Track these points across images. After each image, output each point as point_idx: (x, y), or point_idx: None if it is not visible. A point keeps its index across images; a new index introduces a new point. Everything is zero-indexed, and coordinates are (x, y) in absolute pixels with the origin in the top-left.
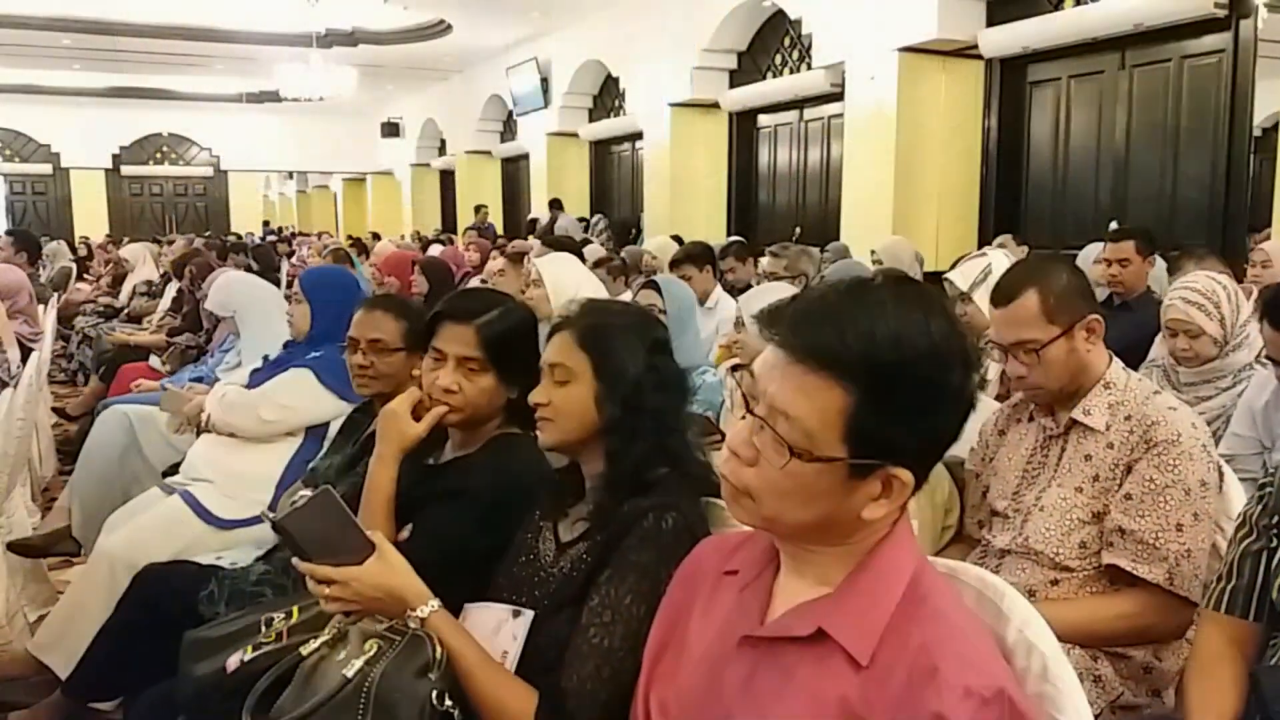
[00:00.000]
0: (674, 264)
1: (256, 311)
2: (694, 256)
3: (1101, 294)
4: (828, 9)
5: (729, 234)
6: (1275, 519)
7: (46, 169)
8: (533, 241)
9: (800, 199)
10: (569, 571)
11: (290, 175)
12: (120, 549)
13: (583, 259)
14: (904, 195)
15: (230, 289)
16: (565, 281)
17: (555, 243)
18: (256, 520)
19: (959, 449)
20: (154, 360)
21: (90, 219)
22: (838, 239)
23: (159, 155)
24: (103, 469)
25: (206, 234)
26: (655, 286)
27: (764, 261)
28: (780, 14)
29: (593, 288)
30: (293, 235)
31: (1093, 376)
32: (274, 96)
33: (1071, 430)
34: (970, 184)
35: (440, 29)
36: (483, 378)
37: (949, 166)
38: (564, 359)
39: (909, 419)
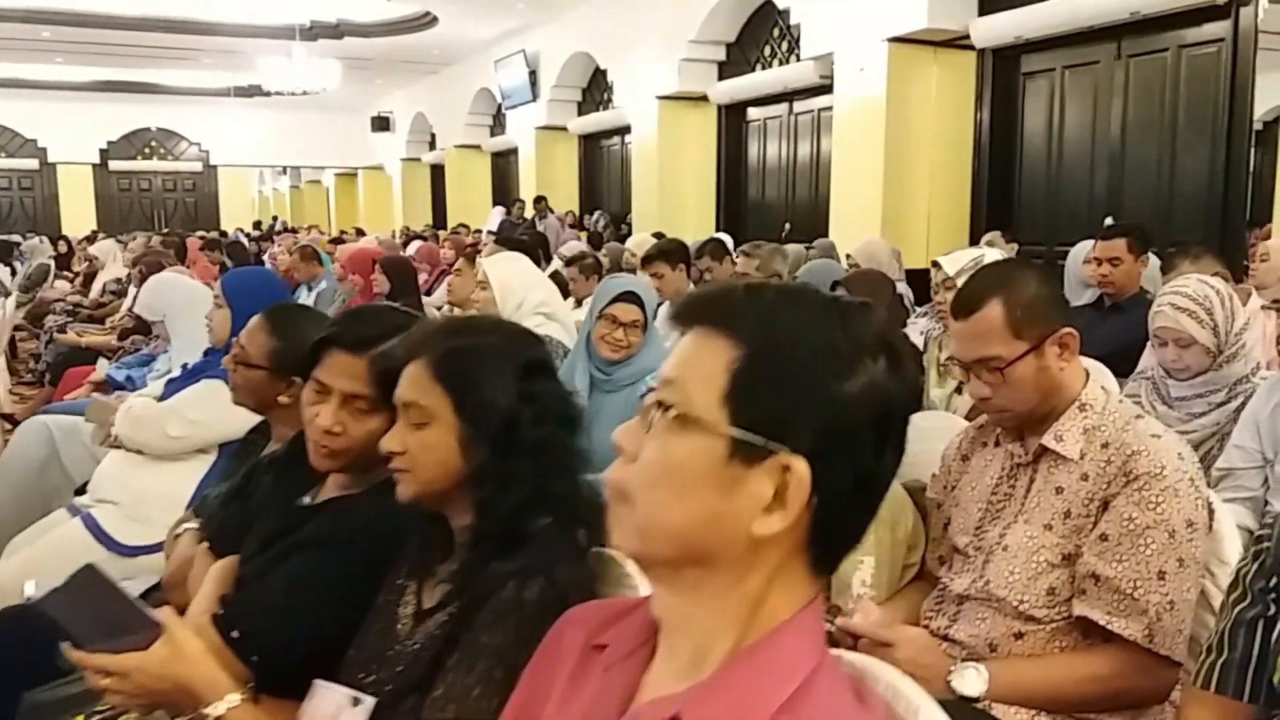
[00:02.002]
0: (646, 261)
1: (184, 316)
2: (667, 254)
3: (1092, 295)
4: None
5: (718, 229)
6: (1274, 581)
7: (33, 164)
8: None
9: (790, 194)
10: (420, 649)
11: (284, 171)
12: (13, 575)
13: (537, 259)
14: (894, 190)
15: (159, 291)
16: (513, 283)
17: (510, 241)
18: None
19: (922, 473)
20: (101, 363)
21: (78, 215)
22: (827, 235)
23: (148, 150)
24: (19, 483)
25: (203, 231)
26: (633, 299)
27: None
28: (769, 4)
29: (544, 290)
30: (275, 230)
31: (1066, 398)
32: (262, 91)
33: (1042, 458)
34: (962, 179)
35: (426, 21)
36: (371, 419)
37: (940, 161)
38: (418, 396)
39: (800, 392)
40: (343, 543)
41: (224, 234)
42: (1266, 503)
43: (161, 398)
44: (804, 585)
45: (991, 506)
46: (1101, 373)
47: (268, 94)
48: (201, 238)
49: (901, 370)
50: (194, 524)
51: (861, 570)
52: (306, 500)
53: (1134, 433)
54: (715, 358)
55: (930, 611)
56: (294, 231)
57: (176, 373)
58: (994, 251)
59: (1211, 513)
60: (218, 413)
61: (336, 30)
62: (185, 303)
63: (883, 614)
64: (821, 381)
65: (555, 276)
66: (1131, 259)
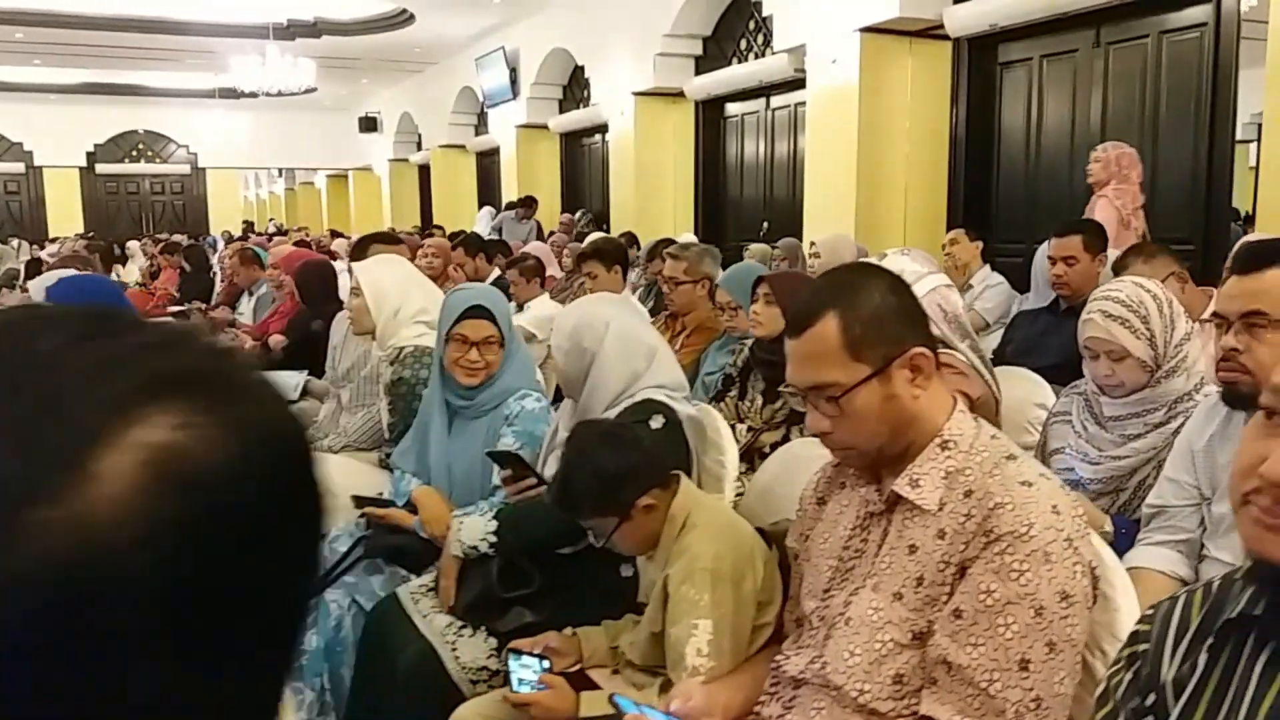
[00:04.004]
0: (580, 260)
1: None
2: (602, 253)
3: (1048, 296)
4: None
5: (696, 228)
6: (1151, 700)
7: (19, 168)
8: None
9: (769, 191)
10: None
11: (280, 173)
12: None
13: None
14: (867, 186)
15: (36, 296)
16: (389, 290)
17: (393, 240)
18: None
19: (789, 512)
20: None
21: (65, 219)
22: (801, 233)
23: (135, 153)
24: None
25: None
26: (482, 313)
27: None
28: None
29: (426, 296)
30: (271, 234)
31: (925, 432)
32: (248, 92)
33: (897, 508)
34: (938, 174)
35: (402, 19)
36: None
37: (915, 155)
38: None
39: None
40: None
41: (196, 239)
42: (1203, 546)
43: None
44: None
45: (841, 565)
46: (1037, 387)
47: (253, 95)
48: (158, 240)
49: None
50: None
51: (696, 637)
52: None
53: (1000, 479)
54: None
55: (766, 695)
56: (284, 234)
57: None
58: (904, 262)
59: (1097, 580)
60: None
61: (314, 29)
62: None
63: (704, 698)
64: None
65: (499, 281)
66: (1088, 258)
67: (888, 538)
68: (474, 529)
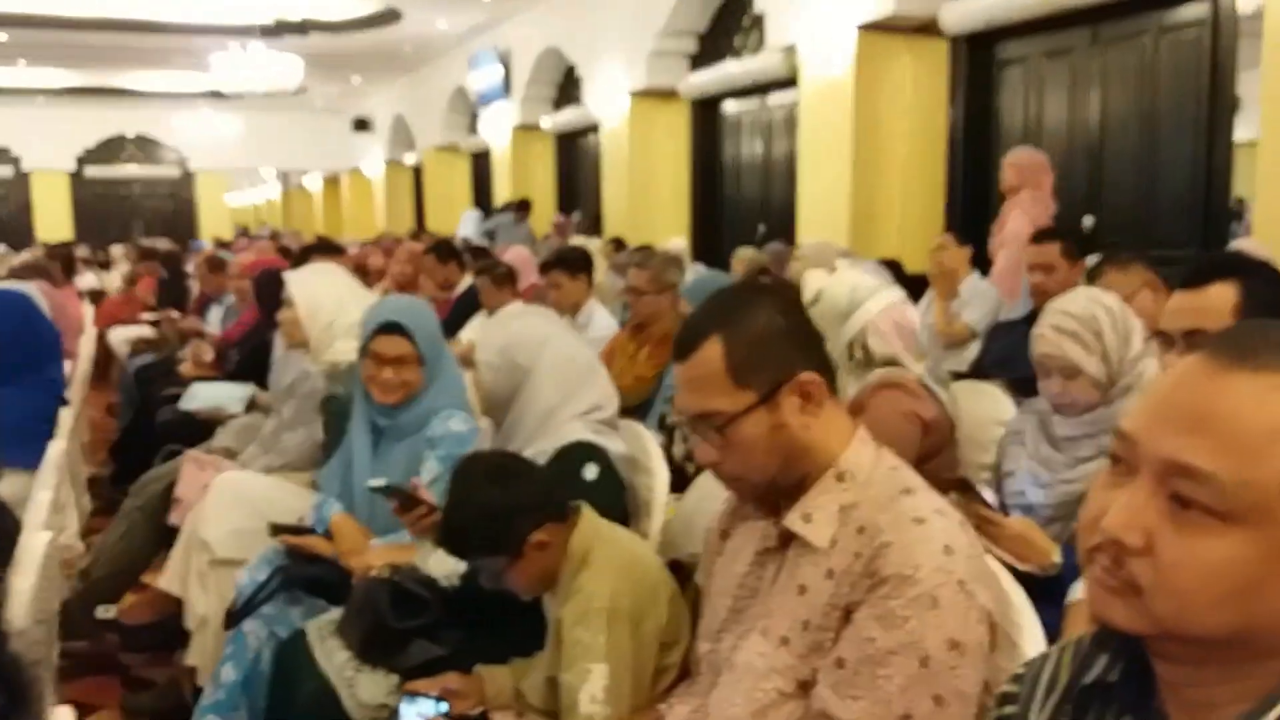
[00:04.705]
0: (543, 269)
1: None
2: (566, 262)
3: (1028, 304)
4: None
5: (692, 231)
6: None
7: (7, 172)
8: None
9: (767, 193)
10: None
11: (278, 176)
12: None
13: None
14: (863, 188)
15: None
16: (323, 301)
17: (334, 250)
18: None
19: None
20: None
21: (54, 224)
22: (794, 236)
23: (125, 157)
24: None
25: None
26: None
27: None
28: None
29: (361, 309)
30: (267, 237)
31: (820, 463)
32: (236, 93)
33: (791, 545)
34: (936, 176)
35: (389, 16)
36: None
37: (912, 155)
38: None
39: None
40: None
41: (183, 244)
42: None
43: None
44: None
45: (736, 604)
46: (999, 404)
47: (242, 97)
48: (137, 246)
49: None
50: None
51: (590, 683)
52: None
53: (893, 514)
54: None
55: None
56: (275, 238)
57: None
58: (855, 273)
59: (994, 627)
60: None
61: (302, 28)
62: None
63: None
64: None
65: (470, 289)
66: (1066, 265)
67: (779, 577)
68: (442, 565)
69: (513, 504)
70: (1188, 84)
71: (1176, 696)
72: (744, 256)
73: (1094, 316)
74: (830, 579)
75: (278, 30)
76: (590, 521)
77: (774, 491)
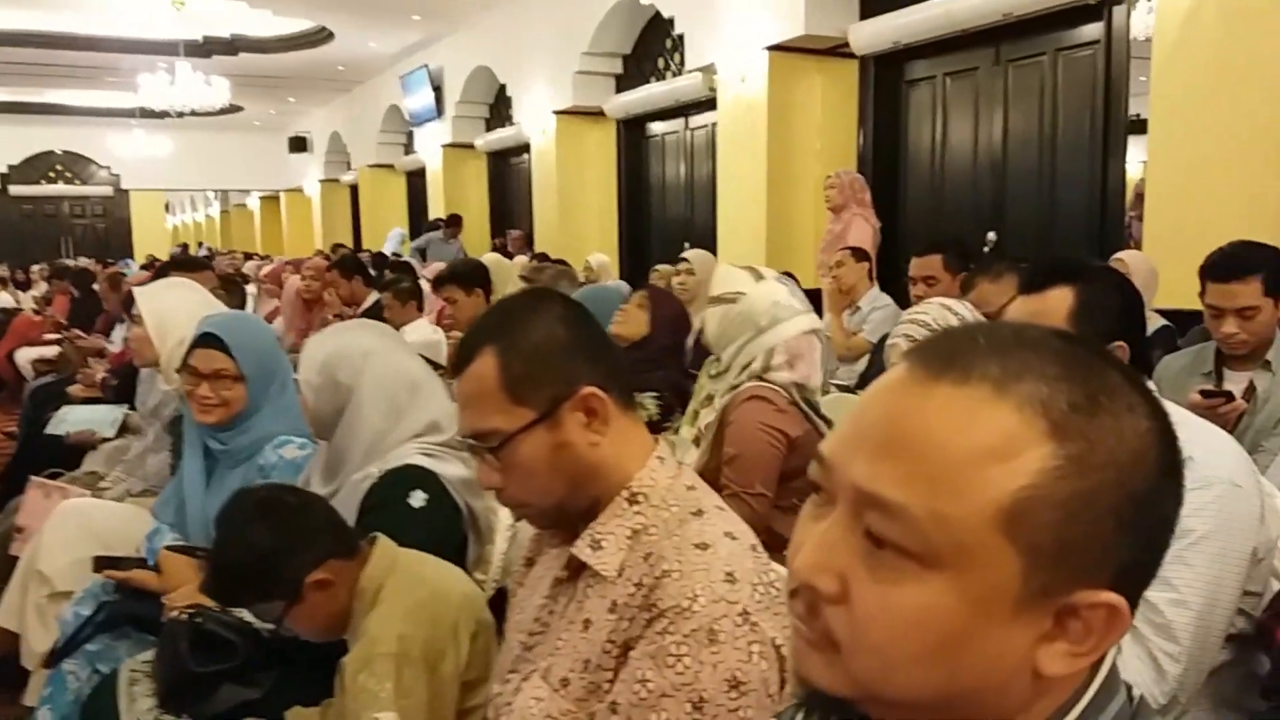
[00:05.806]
0: (437, 285)
1: None
2: (460, 277)
3: None
4: (697, 7)
5: (620, 249)
6: None
7: None
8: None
9: (691, 212)
10: None
11: (218, 195)
12: None
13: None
14: (777, 207)
15: None
16: (176, 318)
17: (189, 264)
18: None
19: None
20: None
21: None
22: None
23: (53, 174)
24: None
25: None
26: (214, 341)
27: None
28: (658, 15)
29: None
30: (208, 257)
31: (613, 484)
32: (162, 111)
33: (581, 574)
34: None
35: (321, 36)
36: None
37: (825, 175)
38: None
39: None
40: None
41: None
42: None
43: None
44: None
45: (530, 640)
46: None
47: (165, 115)
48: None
49: None
50: None
51: None
52: None
53: (677, 541)
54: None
55: None
56: (210, 258)
57: None
58: (774, 285)
59: (784, 660)
60: None
61: (231, 46)
62: None
63: None
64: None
65: (375, 304)
66: (949, 277)
67: (568, 610)
68: None
69: (284, 543)
70: (1083, 103)
71: None
72: (663, 273)
73: (947, 324)
74: (613, 612)
75: (206, 48)
76: (386, 555)
77: (566, 516)
